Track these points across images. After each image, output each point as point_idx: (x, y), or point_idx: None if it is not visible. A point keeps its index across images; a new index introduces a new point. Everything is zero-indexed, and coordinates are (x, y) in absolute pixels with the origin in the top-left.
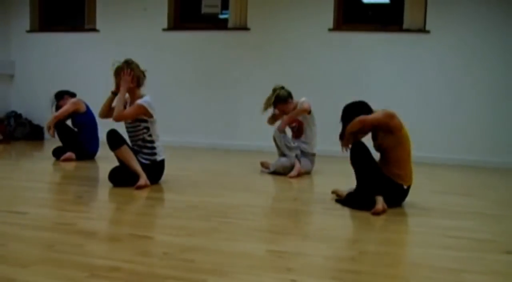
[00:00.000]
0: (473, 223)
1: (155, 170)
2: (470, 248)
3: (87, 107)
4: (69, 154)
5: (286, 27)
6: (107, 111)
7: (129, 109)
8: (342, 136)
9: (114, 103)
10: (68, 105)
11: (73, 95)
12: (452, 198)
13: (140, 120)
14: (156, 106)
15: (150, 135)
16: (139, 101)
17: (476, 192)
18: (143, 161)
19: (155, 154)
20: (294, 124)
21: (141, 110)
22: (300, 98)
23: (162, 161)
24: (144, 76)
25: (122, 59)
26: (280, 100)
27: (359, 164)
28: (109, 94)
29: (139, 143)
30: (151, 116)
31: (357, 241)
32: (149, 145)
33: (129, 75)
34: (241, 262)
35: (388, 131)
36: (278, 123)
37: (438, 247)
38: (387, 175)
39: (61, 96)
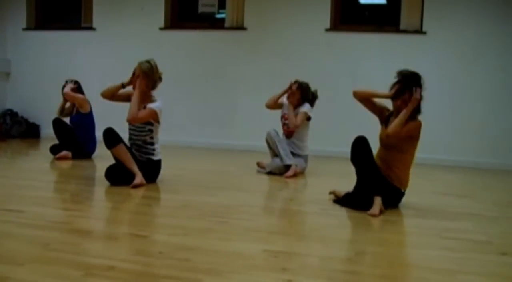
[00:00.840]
0: (470, 224)
1: (151, 169)
2: (467, 249)
3: (91, 110)
4: (64, 152)
5: (283, 27)
6: (111, 95)
7: (143, 113)
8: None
9: (120, 91)
10: (80, 97)
11: (79, 88)
12: (449, 199)
13: (147, 123)
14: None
15: (151, 138)
16: (152, 106)
17: (473, 193)
18: (140, 158)
19: (152, 154)
20: (288, 121)
21: (153, 115)
22: (304, 105)
23: (159, 161)
24: (160, 79)
25: (145, 59)
26: (301, 86)
27: (360, 161)
28: (118, 83)
29: (139, 143)
30: (158, 122)
31: (354, 242)
32: (149, 146)
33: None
34: (237, 262)
35: (410, 137)
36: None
37: (435, 248)
38: (386, 177)
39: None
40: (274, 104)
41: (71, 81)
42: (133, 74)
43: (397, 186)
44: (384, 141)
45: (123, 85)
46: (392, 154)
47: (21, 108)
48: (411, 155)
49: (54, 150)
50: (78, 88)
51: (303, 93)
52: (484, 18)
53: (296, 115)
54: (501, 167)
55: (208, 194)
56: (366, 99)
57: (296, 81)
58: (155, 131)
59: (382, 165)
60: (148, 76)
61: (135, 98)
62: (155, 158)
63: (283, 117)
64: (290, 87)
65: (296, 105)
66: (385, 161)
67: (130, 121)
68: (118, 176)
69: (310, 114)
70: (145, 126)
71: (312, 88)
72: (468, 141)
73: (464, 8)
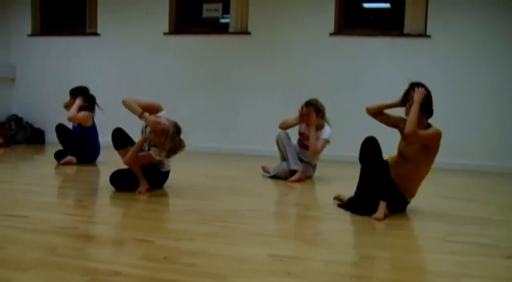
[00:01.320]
0: (475, 227)
1: (158, 178)
2: (472, 252)
3: (93, 124)
4: (69, 158)
5: (287, 31)
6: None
7: (141, 157)
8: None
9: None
10: (81, 117)
11: (88, 99)
12: (454, 202)
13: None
14: None
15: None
16: (153, 153)
17: (479, 197)
18: (147, 165)
19: (161, 166)
20: (309, 147)
21: (151, 159)
22: (325, 130)
23: (167, 172)
24: (173, 152)
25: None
26: (311, 104)
27: (369, 161)
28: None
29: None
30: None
31: (359, 246)
32: (158, 162)
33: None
34: (242, 266)
35: (427, 148)
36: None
37: (440, 252)
38: (397, 186)
39: (77, 94)
40: (288, 127)
41: (78, 93)
42: (159, 125)
43: (405, 195)
44: (402, 152)
45: (141, 114)
46: (409, 166)
47: (26, 114)
48: (428, 168)
49: (58, 155)
50: (86, 100)
51: (317, 110)
52: (488, 21)
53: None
54: (506, 170)
55: (213, 198)
56: (378, 113)
57: (303, 106)
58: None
59: (397, 175)
60: (159, 138)
61: (136, 145)
62: (163, 169)
63: (301, 135)
64: (301, 114)
65: (317, 128)
66: (401, 172)
67: (125, 163)
68: (122, 181)
69: (331, 140)
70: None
71: (312, 92)
72: (474, 144)
73: (468, 11)
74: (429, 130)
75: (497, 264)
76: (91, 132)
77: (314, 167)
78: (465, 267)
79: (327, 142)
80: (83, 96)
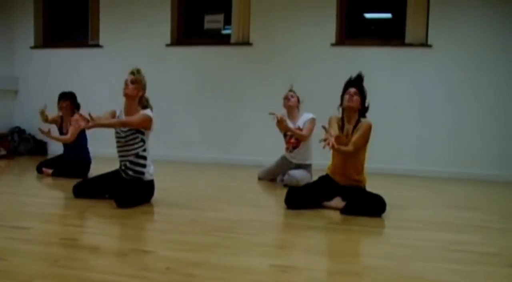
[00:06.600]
0: (477, 236)
1: (143, 189)
2: (474, 261)
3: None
4: (45, 170)
5: (289, 42)
6: None
7: (134, 118)
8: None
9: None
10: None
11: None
12: (457, 211)
13: (139, 132)
14: (160, 121)
15: (144, 150)
16: (145, 112)
17: (481, 205)
18: (127, 177)
19: (143, 173)
20: (293, 141)
21: (147, 122)
22: (308, 115)
23: (151, 182)
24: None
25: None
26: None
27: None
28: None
29: (131, 158)
30: (151, 129)
31: (362, 255)
32: (141, 161)
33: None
34: (244, 277)
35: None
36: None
37: (442, 261)
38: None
39: (64, 98)
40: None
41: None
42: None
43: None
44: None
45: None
46: (354, 159)
47: (29, 126)
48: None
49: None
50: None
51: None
52: (489, 30)
53: (299, 128)
54: (509, 179)
55: (215, 209)
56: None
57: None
58: (146, 142)
59: (345, 173)
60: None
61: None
62: (147, 177)
63: (285, 137)
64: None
65: (295, 118)
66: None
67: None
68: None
69: (315, 119)
70: (138, 136)
71: (314, 102)
72: (476, 153)
73: (469, 21)
74: (363, 129)
75: (498, 272)
76: (81, 137)
77: (309, 169)
78: (467, 276)
79: (312, 122)
80: (73, 104)
